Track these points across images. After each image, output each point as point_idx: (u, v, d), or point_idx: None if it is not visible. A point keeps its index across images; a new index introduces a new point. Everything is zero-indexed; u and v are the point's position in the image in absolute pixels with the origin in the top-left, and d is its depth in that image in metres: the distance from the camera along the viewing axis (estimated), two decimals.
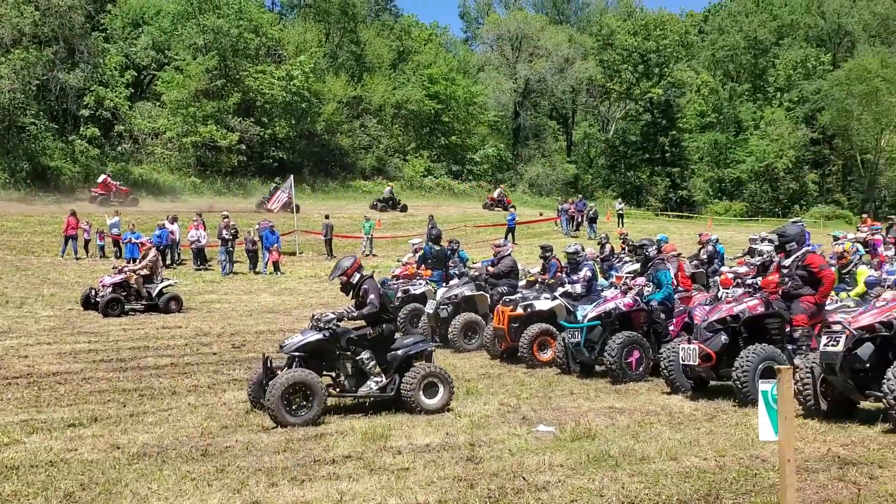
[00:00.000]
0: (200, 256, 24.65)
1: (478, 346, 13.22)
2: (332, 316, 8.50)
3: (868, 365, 7.10)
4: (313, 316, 8.66)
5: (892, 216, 34.39)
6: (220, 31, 43.68)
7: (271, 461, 6.54)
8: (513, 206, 37.68)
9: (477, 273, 14.77)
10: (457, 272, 15.58)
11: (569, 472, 6.00)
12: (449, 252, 16.50)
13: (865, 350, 7.12)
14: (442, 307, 13.86)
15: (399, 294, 15.27)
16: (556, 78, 61.82)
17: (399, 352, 8.62)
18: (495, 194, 43.80)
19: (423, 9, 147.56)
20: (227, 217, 25.00)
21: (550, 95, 64.50)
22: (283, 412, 7.71)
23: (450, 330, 13.33)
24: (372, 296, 8.56)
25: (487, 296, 14.10)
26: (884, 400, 6.67)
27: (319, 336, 8.35)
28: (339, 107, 50.47)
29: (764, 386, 3.09)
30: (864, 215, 32.36)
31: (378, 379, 8.47)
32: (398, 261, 18.99)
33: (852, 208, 54.60)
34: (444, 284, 14.95)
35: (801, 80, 63.05)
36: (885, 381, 6.65)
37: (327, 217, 28.48)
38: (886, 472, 5.63)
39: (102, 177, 35.69)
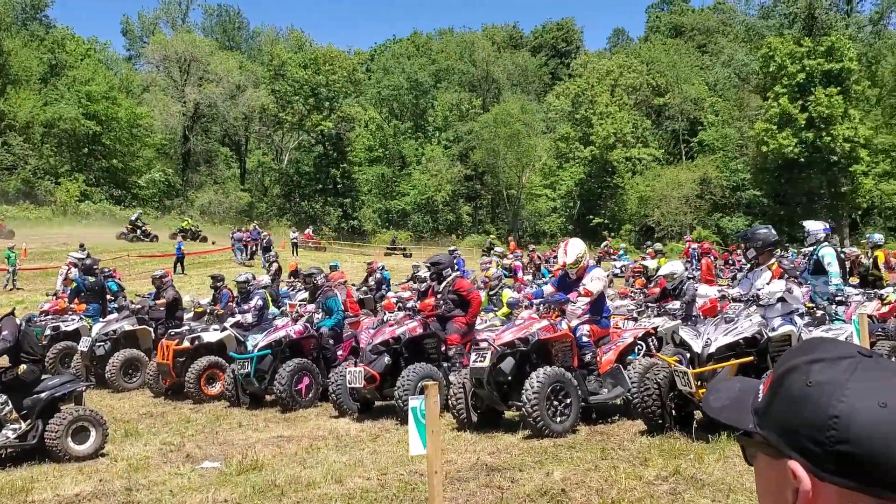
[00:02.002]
0: None
1: (140, 384, 12.41)
2: None
3: (510, 378, 7.88)
4: None
5: (534, 247, 38.83)
6: None
7: None
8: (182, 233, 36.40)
9: (139, 306, 13.87)
10: (116, 305, 14.48)
11: None
12: (105, 284, 15.29)
13: (507, 364, 7.89)
14: (98, 344, 12.79)
15: (48, 332, 13.81)
16: (227, 104, 60.70)
17: (42, 395, 7.77)
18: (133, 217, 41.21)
19: (81, 22, 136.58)
20: None
21: (222, 121, 63.11)
22: None
23: (108, 368, 12.33)
24: (5, 332, 7.65)
25: (151, 330, 13.31)
26: (523, 408, 7.44)
27: None
28: None
29: (413, 402, 3.30)
30: (511, 240, 36.23)
31: (16, 426, 7.54)
32: (48, 294, 17.18)
33: (500, 237, 60.73)
34: (100, 319, 13.81)
35: (456, 121, 68.84)
36: (524, 391, 7.44)
37: None
38: (525, 475, 6.28)
39: None
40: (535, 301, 8.65)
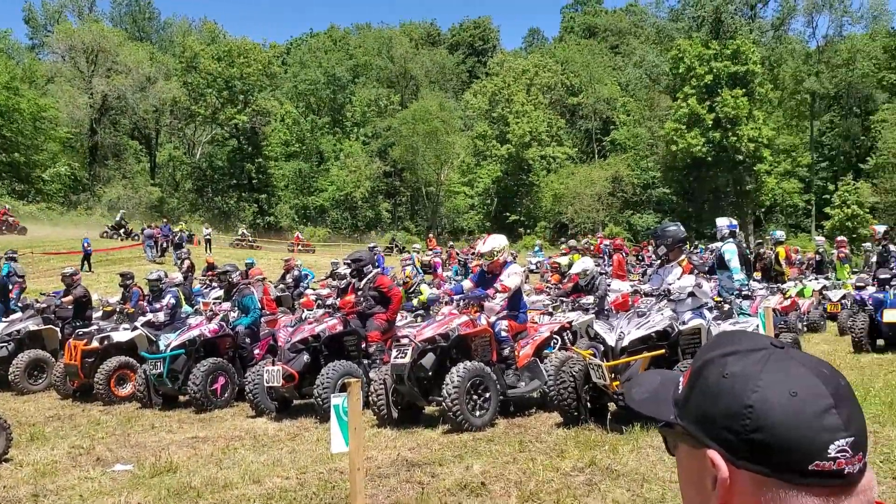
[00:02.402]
0: None
1: (46, 386, 11.93)
2: None
3: (431, 373, 7.95)
4: None
5: (453, 244, 39.06)
6: None
7: None
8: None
9: (45, 305, 13.32)
10: (20, 305, 13.87)
11: None
12: (7, 282, 14.62)
13: (428, 360, 7.95)
14: (1, 345, 12.23)
15: None
16: (137, 96, 58.69)
17: None
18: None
19: None
20: None
21: (132, 114, 61.01)
22: None
23: (11, 370, 11.81)
24: None
25: (57, 329, 12.80)
26: (444, 403, 7.51)
27: None
28: None
29: (335, 400, 3.28)
30: (431, 237, 36.35)
31: None
32: None
33: (419, 234, 60.83)
34: (3, 319, 13.20)
35: (374, 117, 68.55)
36: (444, 386, 7.51)
37: None
38: (445, 469, 6.32)
39: None
40: (454, 297, 8.72)
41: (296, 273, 20.80)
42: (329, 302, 10.27)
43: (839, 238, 20.90)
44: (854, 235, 42.02)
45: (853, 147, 58.62)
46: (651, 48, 63.22)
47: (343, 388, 8.54)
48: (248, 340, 10.88)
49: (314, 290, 18.66)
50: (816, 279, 18.58)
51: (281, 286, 19.61)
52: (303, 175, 66.36)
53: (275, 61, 68.60)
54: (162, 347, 10.51)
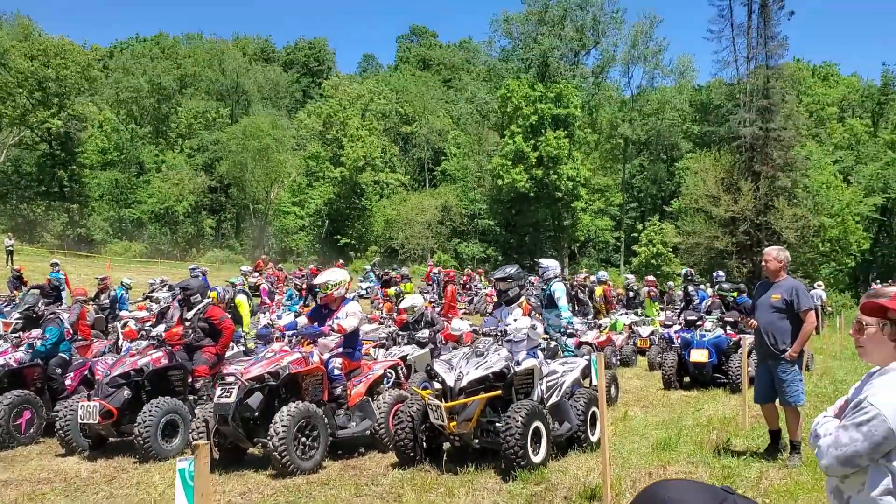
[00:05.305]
0: None
1: None
2: None
3: (257, 413, 7.62)
4: None
5: (281, 266, 38.18)
6: None
7: None
8: None
9: None
10: None
11: None
12: None
13: (255, 399, 7.60)
14: None
15: None
16: None
17: None
18: None
19: None
20: None
21: None
22: None
23: None
24: None
25: None
26: (269, 445, 7.14)
27: None
28: None
29: (181, 464, 3.05)
30: (260, 259, 35.26)
31: None
32: None
33: (244, 253, 59.03)
34: None
35: (201, 130, 66.07)
36: (271, 427, 7.17)
37: None
38: None
39: None
40: (286, 333, 8.50)
41: (112, 293, 19.49)
42: (154, 333, 9.69)
43: (648, 278, 22.47)
44: (658, 272, 45.50)
45: (660, 190, 63.58)
46: (482, 85, 65.48)
47: (169, 427, 8.10)
48: (59, 370, 10.03)
49: (130, 311, 17.56)
50: (626, 314, 19.86)
51: (96, 307, 18.27)
52: (120, 186, 62.55)
53: (95, 64, 64.38)
54: None
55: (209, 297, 10.29)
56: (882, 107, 65.21)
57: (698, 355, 12.54)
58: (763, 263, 7.73)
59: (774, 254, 7.65)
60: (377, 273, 31.48)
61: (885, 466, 2.57)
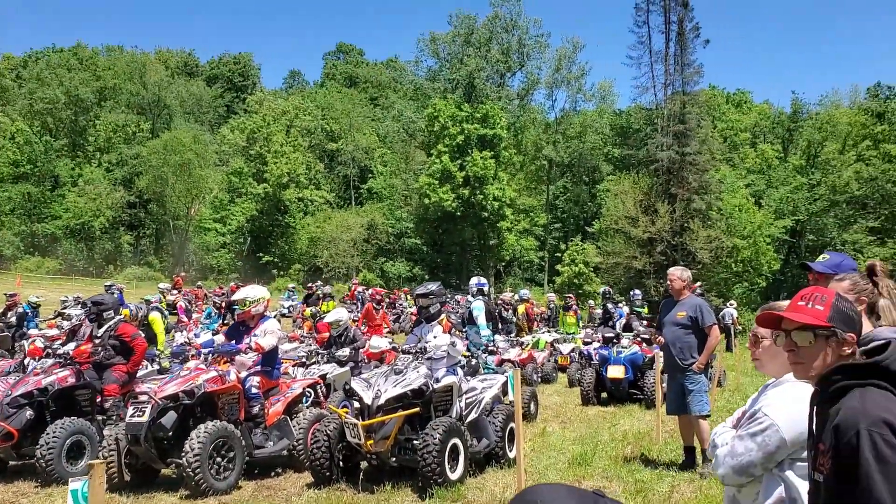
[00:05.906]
0: None
1: None
2: None
3: (171, 433, 7.40)
4: None
5: (201, 283, 37.42)
6: None
7: None
8: None
9: None
10: None
11: None
12: None
13: (169, 419, 7.39)
14: None
15: None
16: None
17: None
18: None
19: None
20: None
21: None
22: None
23: None
24: None
25: None
26: (183, 465, 6.97)
27: None
28: None
29: (74, 484, 2.91)
30: (178, 277, 34.43)
31: None
32: None
33: (164, 271, 57.45)
34: None
35: (121, 144, 64.21)
36: (185, 447, 6.99)
37: None
38: None
39: None
40: (202, 350, 8.32)
41: (19, 310, 18.71)
42: (60, 350, 9.32)
43: (569, 296, 22.88)
44: (580, 291, 46.36)
45: (582, 211, 64.89)
46: (409, 104, 65.74)
47: (75, 448, 7.78)
48: None
49: (40, 329, 16.90)
50: (548, 331, 20.15)
51: (2, 325, 17.49)
52: (32, 199, 60.12)
53: (7, 73, 61.99)
54: None
55: (121, 314, 9.97)
56: (792, 133, 68.22)
57: (615, 371, 12.81)
58: (668, 283, 8.02)
59: (678, 273, 7.97)
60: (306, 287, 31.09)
61: (779, 476, 2.66)
